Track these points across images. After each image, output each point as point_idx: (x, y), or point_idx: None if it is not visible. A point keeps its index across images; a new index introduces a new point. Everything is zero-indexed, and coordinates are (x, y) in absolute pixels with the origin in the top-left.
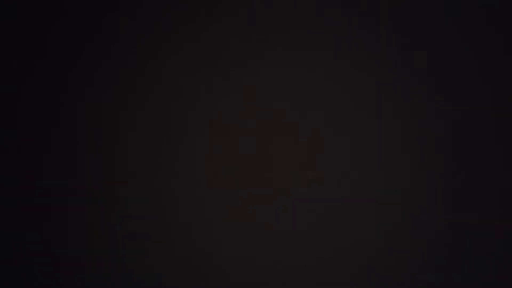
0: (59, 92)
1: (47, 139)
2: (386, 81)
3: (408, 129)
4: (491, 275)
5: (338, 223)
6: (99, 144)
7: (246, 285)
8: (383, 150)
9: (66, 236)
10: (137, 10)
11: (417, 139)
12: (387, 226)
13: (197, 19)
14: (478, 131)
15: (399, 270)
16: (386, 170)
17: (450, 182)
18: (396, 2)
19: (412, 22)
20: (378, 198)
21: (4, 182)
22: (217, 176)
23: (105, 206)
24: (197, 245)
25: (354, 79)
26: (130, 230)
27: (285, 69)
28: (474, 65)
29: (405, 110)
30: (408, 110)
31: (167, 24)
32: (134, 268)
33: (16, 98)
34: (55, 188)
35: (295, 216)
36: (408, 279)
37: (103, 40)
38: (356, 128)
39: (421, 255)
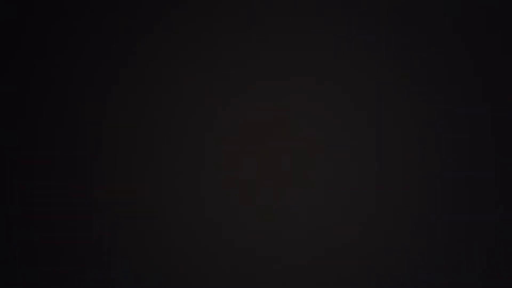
0: (59, 92)
1: (47, 139)
2: (386, 81)
3: (408, 129)
4: (491, 275)
5: (338, 223)
6: (100, 144)
7: (246, 284)
8: (383, 150)
9: (66, 236)
10: (137, 10)
11: (417, 139)
12: (387, 226)
13: (197, 19)
14: (478, 131)
15: (399, 270)
16: (386, 170)
17: (450, 182)
18: (396, 2)
19: (412, 22)
20: (378, 198)
21: (4, 182)
22: (217, 175)
23: (105, 206)
24: (197, 245)
25: (354, 79)
26: (130, 229)
27: (285, 69)
28: (474, 65)
29: (405, 110)
30: (408, 110)
31: (167, 24)
32: (134, 267)
33: (16, 98)
34: (55, 188)
35: (295, 216)
36: (408, 279)
37: (103, 40)
38: (356, 128)
39: (421, 255)
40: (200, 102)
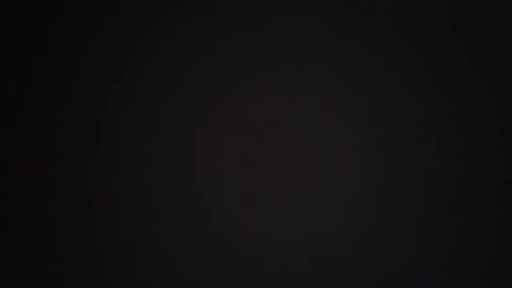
0: (59, 92)
1: (47, 139)
2: (386, 81)
3: (408, 129)
4: (491, 275)
5: (338, 223)
6: (99, 144)
7: (246, 284)
8: (383, 150)
9: (66, 236)
10: (137, 10)
11: (417, 139)
12: (387, 226)
13: (197, 19)
14: (478, 131)
15: (399, 270)
16: (386, 170)
17: (450, 182)
18: (396, 2)
19: (412, 22)
20: (378, 198)
21: (4, 182)
22: (217, 175)
23: (105, 206)
24: (197, 245)
25: (354, 79)
26: (130, 229)
27: (285, 69)
28: (474, 65)
29: (405, 110)
30: (408, 110)
31: (167, 24)
32: (134, 267)
33: (16, 98)
34: (55, 187)
35: (294, 216)
36: (408, 279)
37: (103, 40)
38: (356, 128)
39: (421, 255)
40: (200, 102)
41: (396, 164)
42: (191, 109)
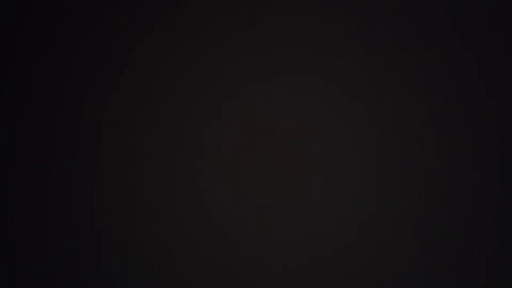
0: (59, 92)
1: (48, 139)
2: (386, 81)
3: (408, 129)
4: (491, 275)
5: (338, 223)
6: (100, 144)
7: (246, 284)
8: (383, 150)
9: (66, 236)
10: (137, 10)
11: (417, 139)
12: (387, 226)
13: (198, 19)
14: (478, 131)
15: (399, 270)
16: (386, 170)
17: (450, 182)
18: (396, 2)
19: (412, 22)
20: (378, 198)
21: (4, 182)
22: (218, 175)
23: (105, 206)
24: (197, 245)
25: (354, 79)
26: (130, 229)
27: (285, 69)
28: (474, 65)
29: (405, 110)
30: (408, 110)
31: (167, 24)
32: (134, 267)
33: (16, 98)
34: (55, 187)
35: (294, 216)
36: (408, 279)
37: (103, 40)
38: (356, 128)
39: (421, 255)
40: (200, 102)
41: (396, 164)
42: (191, 109)
